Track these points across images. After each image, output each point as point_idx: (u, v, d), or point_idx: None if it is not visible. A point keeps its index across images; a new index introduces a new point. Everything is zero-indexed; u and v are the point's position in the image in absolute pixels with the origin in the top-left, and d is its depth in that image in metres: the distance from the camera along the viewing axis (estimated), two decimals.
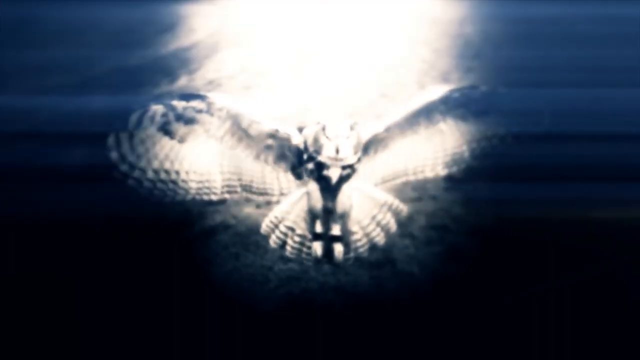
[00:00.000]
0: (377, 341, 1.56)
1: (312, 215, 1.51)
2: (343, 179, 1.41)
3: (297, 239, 1.55)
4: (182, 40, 4.53)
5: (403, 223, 1.54)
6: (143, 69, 3.44)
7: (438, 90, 1.44)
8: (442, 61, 3.91)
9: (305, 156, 1.40)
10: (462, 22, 5.16)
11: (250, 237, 1.94)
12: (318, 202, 1.48)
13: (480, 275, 1.71)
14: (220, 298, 1.68)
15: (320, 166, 1.37)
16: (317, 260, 1.52)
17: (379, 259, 1.81)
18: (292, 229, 1.54)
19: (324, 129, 1.35)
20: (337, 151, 1.34)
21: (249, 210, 2.06)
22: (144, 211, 1.46)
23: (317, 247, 1.51)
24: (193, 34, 4.69)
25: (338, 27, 5.01)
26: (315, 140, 1.36)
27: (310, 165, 1.39)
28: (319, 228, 1.51)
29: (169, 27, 4.84)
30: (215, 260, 1.84)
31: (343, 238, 1.52)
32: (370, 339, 1.57)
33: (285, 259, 1.81)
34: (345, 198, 1.49)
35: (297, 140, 1.42)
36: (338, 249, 1.51)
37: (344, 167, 1.37)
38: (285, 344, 1.55)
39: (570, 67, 2.81)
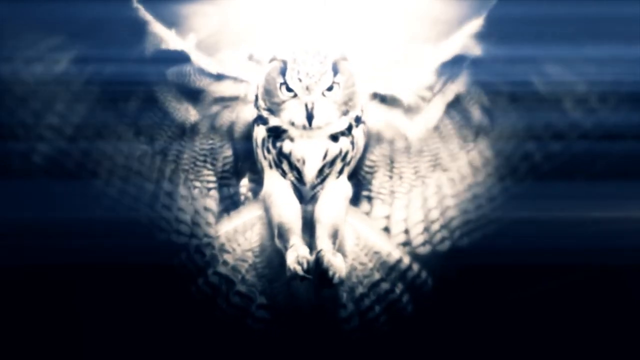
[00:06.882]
0: (376, 341, 1.55)
1: (280, 232, 0.87)
2: (329, 165, 0.76)
3: (237, 299, 0.88)
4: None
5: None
6: None
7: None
8: None
9: (254, 124, 0.73)
10: (462, 22, 5.15)
11: None
12: (287, 217, 0.82)
13: (479, 276, 1.71)
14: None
15: (277, 136, 0.70)
16: (297, 277, 0.87)
17: None
18: (229, 281, 0.88)
19: (283, 70, 0.74)
20: (310, 115, 0.73)
21: None
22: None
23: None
24: (193, 34, 4.68)
25: (337, 26, 5.00)
26: (268, 91, 0.77)
27: (267, 151, 0.73)
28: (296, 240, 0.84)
29: (169, 27, 4.83)
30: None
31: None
32: (369, 338, 1.56)
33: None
34: (330, 207, 0.81)
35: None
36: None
37: (333, 137, 0.74)
38: (285, 344, 1.55)
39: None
